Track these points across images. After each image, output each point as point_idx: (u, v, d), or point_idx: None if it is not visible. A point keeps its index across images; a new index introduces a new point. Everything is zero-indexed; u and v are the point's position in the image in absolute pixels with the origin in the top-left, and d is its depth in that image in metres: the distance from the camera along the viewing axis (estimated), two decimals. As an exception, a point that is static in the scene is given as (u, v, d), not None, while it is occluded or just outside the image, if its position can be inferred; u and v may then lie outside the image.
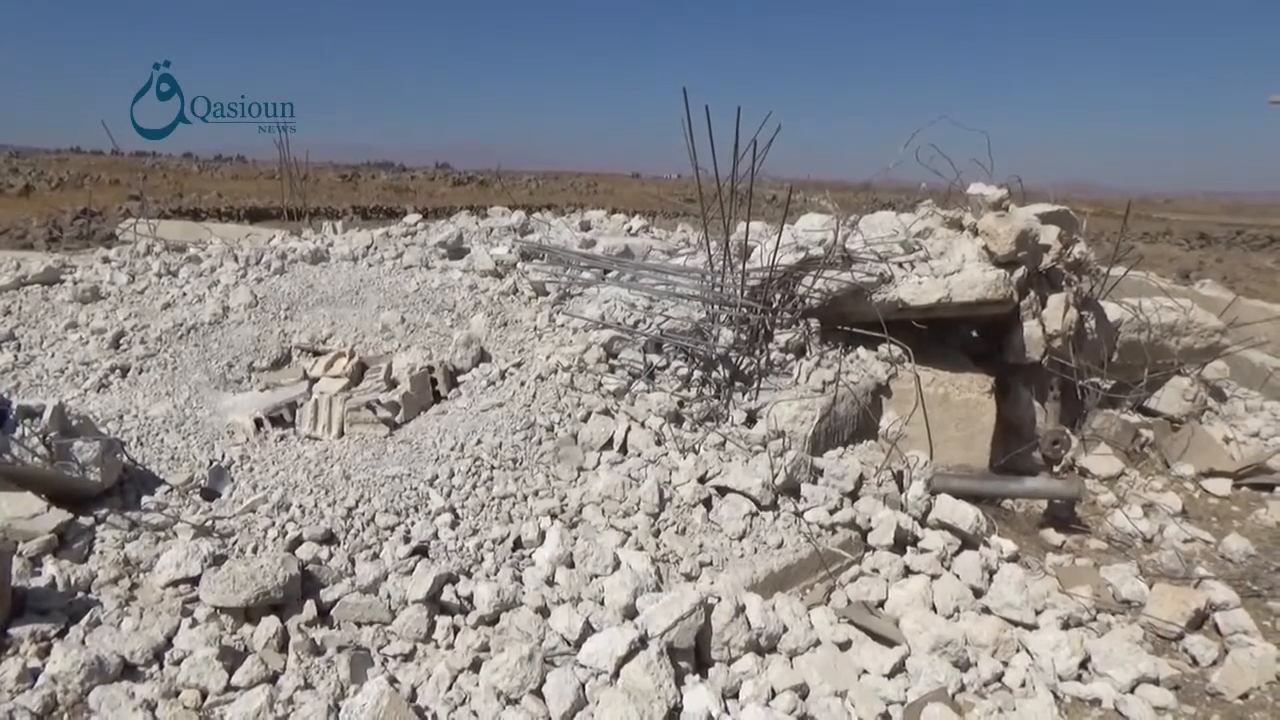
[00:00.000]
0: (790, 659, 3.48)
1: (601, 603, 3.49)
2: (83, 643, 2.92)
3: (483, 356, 5.43)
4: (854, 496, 4.52)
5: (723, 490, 4.31)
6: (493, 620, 3.38)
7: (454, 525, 3.89)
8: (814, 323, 5.71)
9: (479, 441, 4.44)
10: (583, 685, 3.04)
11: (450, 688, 3.03)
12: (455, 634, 3.32)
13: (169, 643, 3.00)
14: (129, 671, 2.88)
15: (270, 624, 3.12)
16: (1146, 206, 54.90)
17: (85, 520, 3.53)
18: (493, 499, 4.09)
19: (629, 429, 4.60)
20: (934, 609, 4.01)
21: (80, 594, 3.18)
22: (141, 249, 8.12)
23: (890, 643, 3.67)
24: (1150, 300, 7.31)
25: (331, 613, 3.31)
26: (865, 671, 3.54)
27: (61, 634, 2.97)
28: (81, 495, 3.68)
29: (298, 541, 3.62)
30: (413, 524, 3.85)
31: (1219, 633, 4.10)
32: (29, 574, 3.20)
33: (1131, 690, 3.58)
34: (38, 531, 3.34)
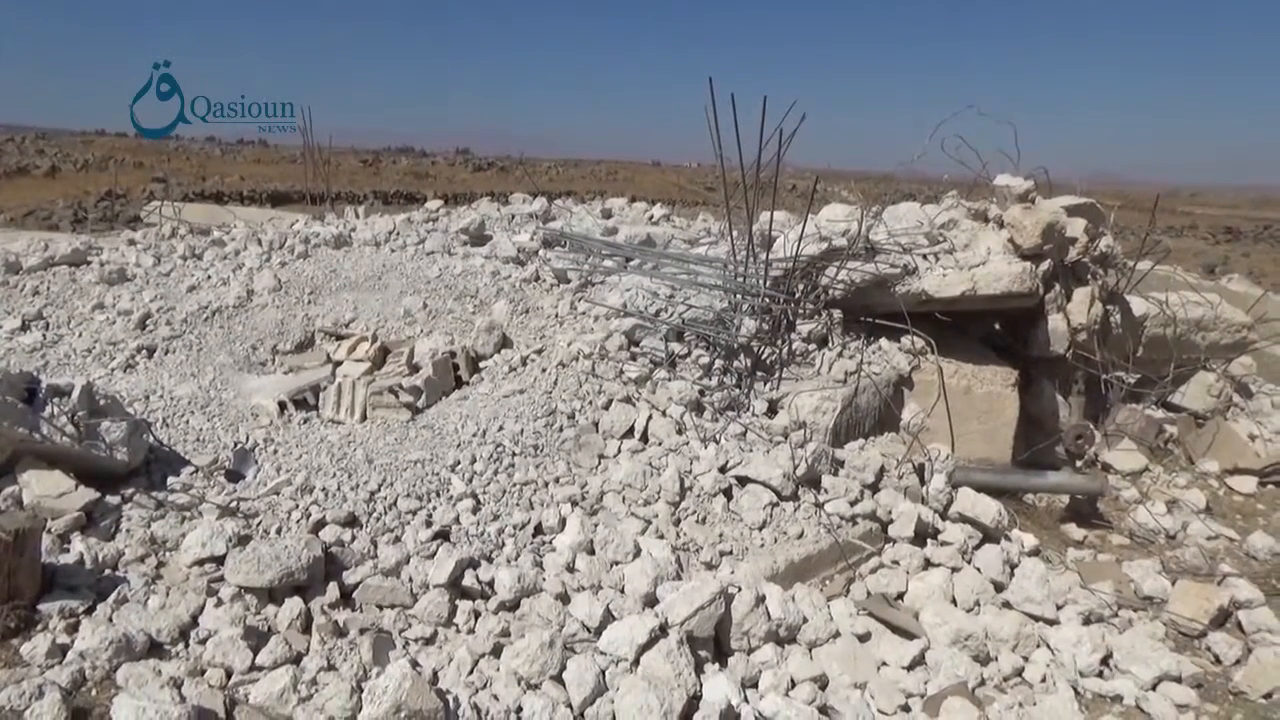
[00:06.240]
0: (810, 650, 3.49)
1: (622, 590, 3.51)
2: (110, 620, 2.96)
3: (504, 343, 5.43)
4: (875, 488, 4.50)
5: (743, 480, 4.31)
6: (513, 606, 3.40)
7: (475, 510, 3.91)
8: (836, 313, 5.67)
9: (501, 428, 4.45)
10: (603, 672, 3.05)
11: (471, 672, 3.05)
12: (476, 619, 3.34)
13: (194, 621, 3.04)
14: (155, 649, 2.92)
15: (294, 605, 3.16)
16: (1172, 200, 54.22)
17: (112, 499, 3.58)
18: (514, 485, 4.11)
19: (650, 417, 4.60)
20: (954, 602, 3.99)
21: (108, 571, 3.23)
22: (166, 231, 8.20)
23: (910, 635, 3.66)
24: (1177, 295, 7.21)
25: (354, 595, 3.34)
26: (885, 663, 3.53)
27: (89, 610, 3.01)
28: (109, 474, 3.72)
29: (321, 524, 3.65)
30: (434, 508, 3.87)
31: (1242, 631, 4.07)
32: (58, 551, 3.25)
33: (1153, 687, 3.55)
34: (66, 509, 3.39)
